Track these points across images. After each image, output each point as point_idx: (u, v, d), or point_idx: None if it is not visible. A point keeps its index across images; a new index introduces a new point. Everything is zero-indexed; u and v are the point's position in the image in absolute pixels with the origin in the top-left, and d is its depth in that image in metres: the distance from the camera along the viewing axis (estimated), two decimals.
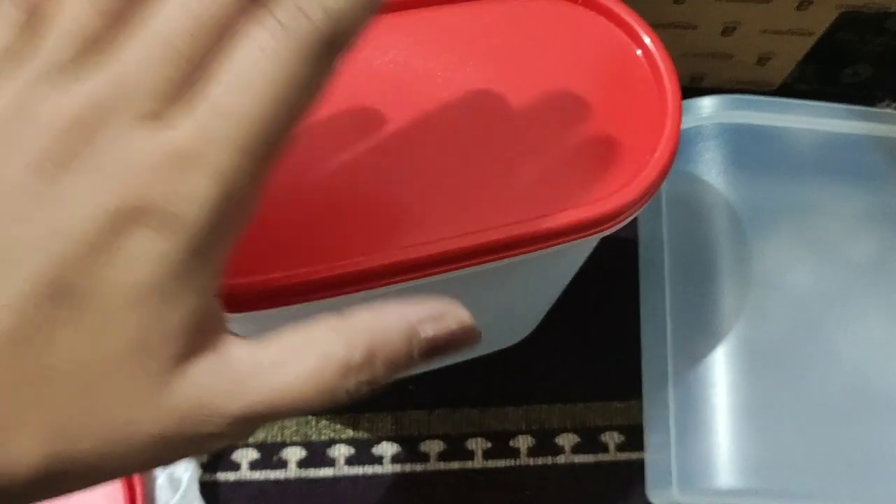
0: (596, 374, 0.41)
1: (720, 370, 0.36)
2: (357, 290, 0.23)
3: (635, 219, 0.41)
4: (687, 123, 0.39)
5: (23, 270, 0.15)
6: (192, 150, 0.16)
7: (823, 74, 0.46)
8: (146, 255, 0.16)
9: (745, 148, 0.39)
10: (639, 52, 0.27)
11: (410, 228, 0.24)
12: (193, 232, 0.16)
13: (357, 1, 0.16)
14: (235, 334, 0.17)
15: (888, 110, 0.41)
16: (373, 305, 0.18)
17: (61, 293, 0.15)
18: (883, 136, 0.39)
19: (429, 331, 0.18)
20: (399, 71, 0.26)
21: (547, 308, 0.37)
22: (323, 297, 0.23)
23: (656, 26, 0.41)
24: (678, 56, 0.43)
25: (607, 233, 0.26)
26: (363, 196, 0.24)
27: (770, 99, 0.39)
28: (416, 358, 0.18)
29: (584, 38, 0.27)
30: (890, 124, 0.39)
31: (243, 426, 0.17)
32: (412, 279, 0.23)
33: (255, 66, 0.16)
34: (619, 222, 0.25)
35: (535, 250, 0.24)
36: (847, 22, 0.41)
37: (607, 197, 0.25)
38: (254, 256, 0.22)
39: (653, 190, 0.25)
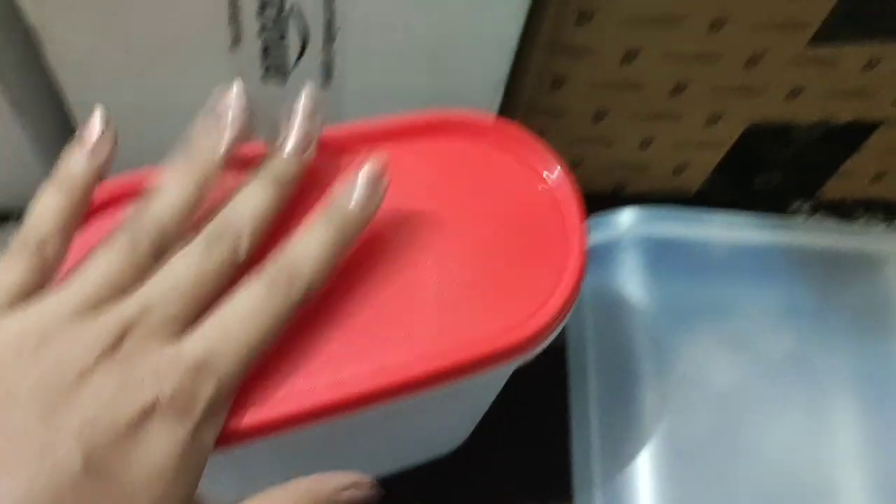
0: (529, 477, 0.41)
1: (646, 472, 0.37)
2: (267, 435, 0.23)
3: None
4: (609, 234, 0.41)
5: (64, 451, 0.19)
6: (202, 361, 0.22)
7: (737, 181, 0.49)
8: (163, 440, 0.21)
9: (664, 255, 0.41)
10: (541, 187, 0.29)
11: (328, 368, 0.24)
12: (198, 420, 0.21)
13: (326, 270, 0.24)
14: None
15: (792, 220, 0.44)
16: (285, 485, 0.22)
17: (95, 470, 0.19)
18: (789, 243, 0.42)
19: (345, 496, 0.22)
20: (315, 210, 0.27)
21: (478, 419, 0.38)
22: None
23: (579, 141, 0.44)
24: (600, 167, 0.46)
25: (520, 361, 0.27)
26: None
27: (685, 211, 0.41)
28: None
29: (492, 176, 0.29)
30: (794, 232, 0.42)
31: None
32: (339, 416, 0.24)
33: (249, 308, 0.23)
34: (528, 351, 0.26)
35: (448, 382, 0.25)
36: (755, 134, 0.44)
37: (514, 328, 0.26)
38: None
39: (558, 321, 0.26)
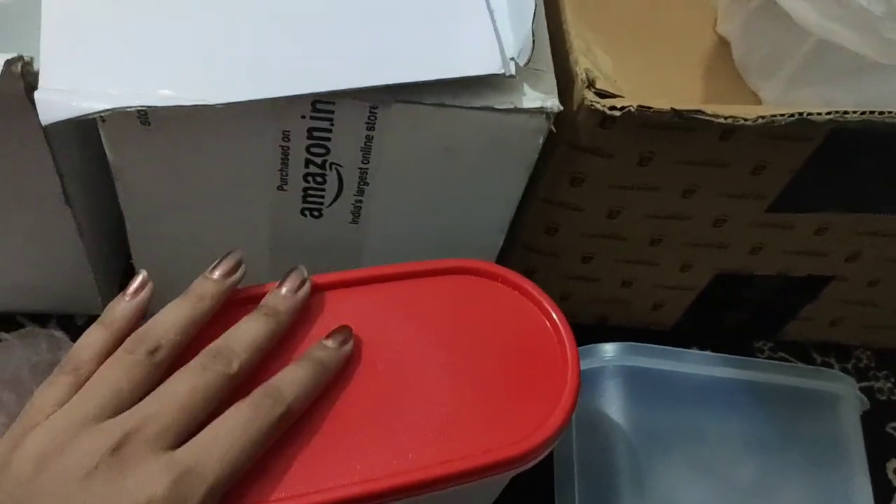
0: None
1: None
2: None
3: None
4: (593, 364, 0.46)
5: None
6: (192, 467, 0.26)
7: (708, 318, 0.54)
8: None
9: (641, 386, 0.46)
10: (548, 324, 0.34)
11: (345, 469, 0.29)
12: None
13: (305, 398, 0.29)
14: None
15: (756, 360, 0.49)
16: None
17: None
18: (752, 380, 0.47)
19: None
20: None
21: None
22: None
23: (568, 278, 0.49)
24: (586, 301, 0.52)
25: (520, 470, 0.32)
26: (295, 440, 0.30)
27: (661, 348, 0.46)
28: None
29: (505, 311, 0.34)
30: (755, 371, 0.47)
31: None
32: None
33: (236, 424, 0.28)
34: (523, 464, 0.31)
35: (454, 486, 0.30)
36: (722, 280, 0.50)
37: (517, 442, 0.31)
38: None
39: (552, 440, 0.31)
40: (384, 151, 0.37)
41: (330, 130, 0.36)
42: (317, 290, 0.33)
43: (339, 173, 0.38)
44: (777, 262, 0.48)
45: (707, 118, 0.34)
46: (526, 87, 0.36)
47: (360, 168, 0.38)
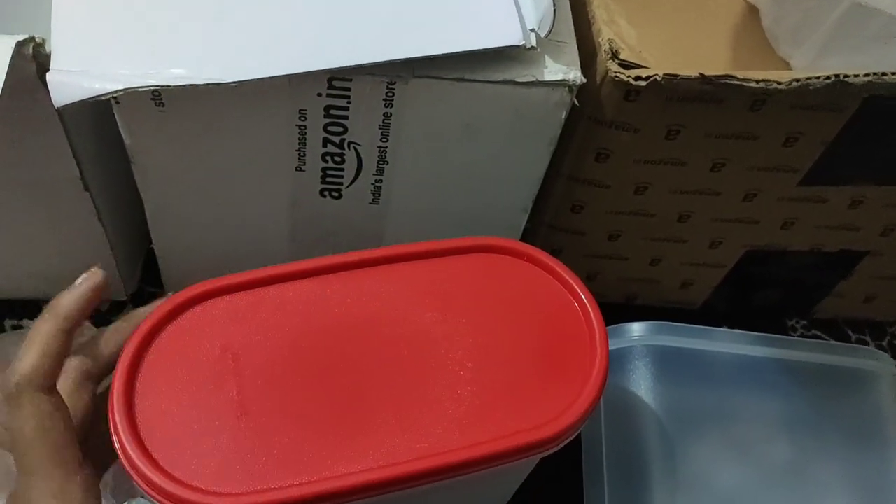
0: None
1: None
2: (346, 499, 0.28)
3: None
4: (622, 344, 0.45)
5: None
6: None
7: (738, 297, 0.53)
8: None
9: (671, 365, 0.45)
10: (576, 304, 0.33)
11: (370, 452, 0.28)
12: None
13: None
14: None
15: (789, 338, 0.48)
16: None
17: None
18: (786, 359, 0.46)
19: None
20: (364, 315, 0.32)
21: None
22: None
23: (595, 257, 0.48)
24: (614, 280, 0.51)
25: (547, 453, 0.31)
26: (322, 422, 0.29)
27: (691, 326, 0.45)
28: None
29: (531, 290, 0.33)
30: (789, 349, 0.46)
31: None
32: (373, 496, 0.28)
33: None
34: (552, 446, 0.30)
35: (481, 470, 0.29)
36: (753, 257, 0.49)
37: (544, 425, 0.30)
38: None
39: (581, 422, 0.31)
40: (403, 129, 0.36)
41: (347, 108, 0.35)
42: (340, 269, 0.33)
43: (357, 152, 0.37)
44: (809, 237, 0.46)
45: (739, 83, 0.32)
46: (547, 60, 0.35)
47: (379, 146, 0.37)
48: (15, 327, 0.47)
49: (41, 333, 0.28)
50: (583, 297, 0.33)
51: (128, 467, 0.27)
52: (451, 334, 0.32)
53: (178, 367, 0.29)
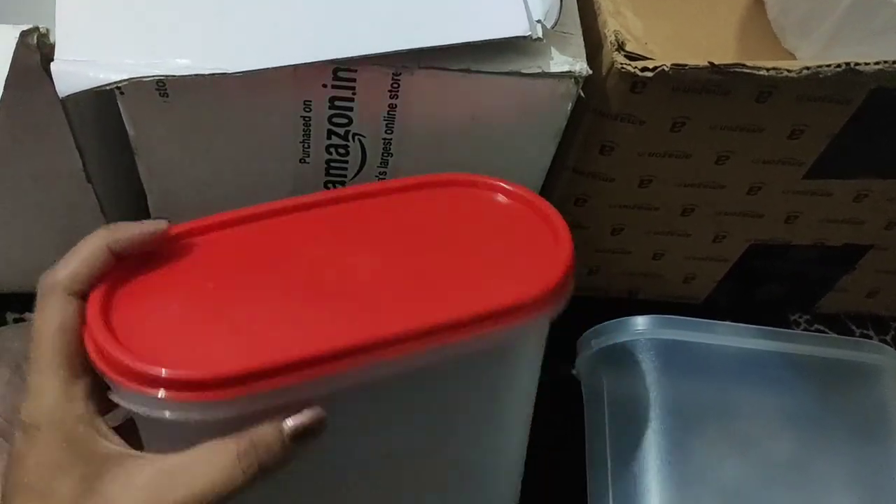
0: None
1: None
2: (326, 372, 0.27)
3: (583, 420, 0.46)
4: (625, 337, 0.45)
5: None
6: None
7: (741, 292, 0.53)
8: None
9: (674, 359, 0.45)
10: (531, 212, 0.34)
11: (352, 327, 0.28)
12: None
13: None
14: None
15: (792, 331, 0.48)
16: None
17: None
18: (791, 352, 0.46)
19: (290, 422, 0.27)
20: (336, 236, 0.33)
21: (516, 481, 0.41)
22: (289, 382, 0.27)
23: (598, 251, 0.48)
24: (617, 274, 0.50)
25: (536, 321, 0.31)
26: (301, 315, 0.29)
27: (694, 320, 0.45)
28: (286, 441, 0.27)
29: (484, 209, 0.35)
30: (793, 343, 0.46)
31: None
32: (370, 360, 0.28)
33: None
34: (543, 308, 0.31)
35: (477, 332, 0.29)
36: (755, 252, 0.48)
37: (526, 289, 0.30)
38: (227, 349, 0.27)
39: (565, 284, 0.31)
40: (408, 121, 0.36)
41: (352, 99, 0.35)
42: (311, 207, 0.33)
43: (362, 144, 0.37)
44: (813, 231, 0.46)
45: (749, 71, 0.32)
46: (553, 51, 0.34)
47: (384, 139, 0.37)
48: (17, 320, 0.47)
49: (88, 244, 0.29)
50: (537, 203, 0.35)
51: (97, 359, 0.27)
52: (422, 244, 0.33)
53: (157, 282, 0.30)
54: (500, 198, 0.35)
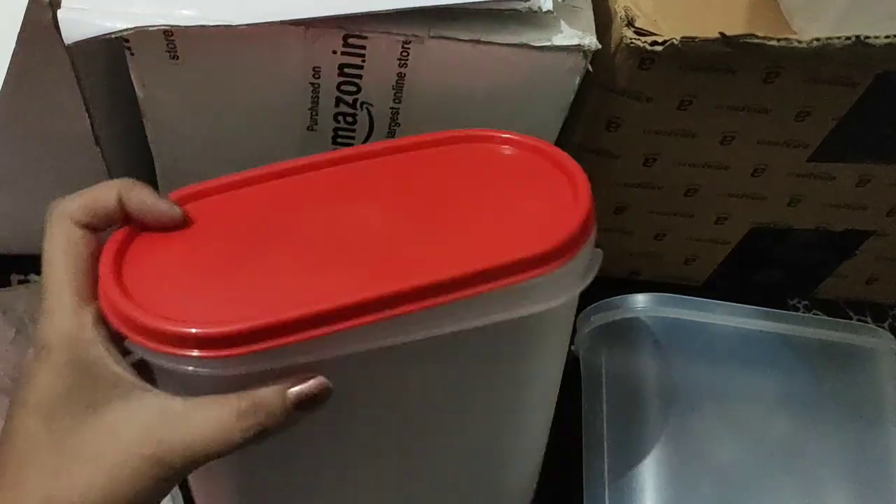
0: None
1: None
2: (343, 327, 0.27)
3: (580, 395, 0.46)
4: (625, 314, 0.45)
5: None
6: None
7: (740, 275, 0.53)
8: None
9: (673, 338, 0.45)
10: (552, 165, 0.33)
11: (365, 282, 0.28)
12: None
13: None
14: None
15: (791, 313, 0.48)
16: None
17: None
18: (788, 334, 0.46)
19: (295, 388, 0.27)
20: (354, 192, 0.32)
21: (536, 468, 0.41)
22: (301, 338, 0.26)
23: (600, 230, 0.48)
24: (618, 254, 0.51)
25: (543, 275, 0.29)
26: (314, 268, 0.29)
27: (694, 299, 0.46)
28: (288, 407, 0.27)
29: (502, 162, 0.34)
30: (791, 324, 0.46)
31: (177, 456, 0.25)
32: (389, 316, 0.27)
33: None
34: (559, 259, 0.29)
35: (498, 283, 0.28)
36: (757, 235, 0.49)
37: (544, 240, 0.29)
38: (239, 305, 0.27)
39: (579, 239, 0.30)
40: (416, 90, 0.36)
41: (361, 67, 0.35)
42: (326, 166, 0.33)
43: (369, 113, 0.37)
44: (816, 215, 0.46)
45: (758, 42, 0.32)
46: (563, 24, 0.35)
47: (392, 108, 0.37)
48: (21, 282, 0.47)
49: (103, 186, 0.29)
50: (555, 155, 0.33)
51: (108, 311, 0.27)
52: (440, 197, 0.32)
53: (169, 239, 0.30)
54: (516, 151, 0.34)
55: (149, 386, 0.26)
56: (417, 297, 0.27)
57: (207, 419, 0.26)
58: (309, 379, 0.27)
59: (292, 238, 0.30)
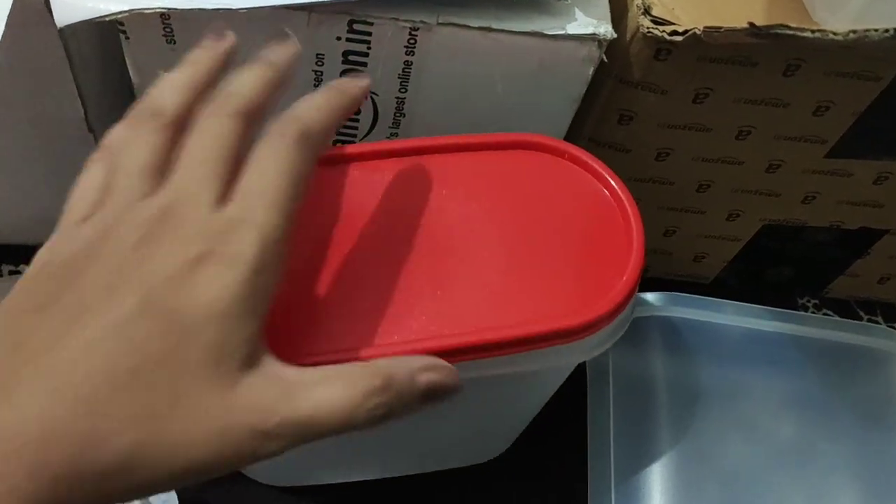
0: None
1: None
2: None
3: (585, 394, 0.45)
4: (635, 314, 0.44)
5: (121, 297, 0.22)
6: (240, 217, 0.23)
7: (750, 273, 0.52)
8: (216, 284, 0.22)
9: (682, 338, 0.44)
10: (613, 201, 0.32)
11: (406, 328, 0.27)
12: (247, 265, 0.22)
13: (331, 115, 0.26)
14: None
15: (802, 313, 0.47)
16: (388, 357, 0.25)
17: (152, 311, 0.22)
18: (798, 335, 0.45)
19: (427, 375, 0.24)
20: (409, 203, 0.31)
21: (521, 428, 0.41)
22: None
23: None
24: None
25: (577, 341, 0.29)
26: (348, 298, 0.28)
27: (703, 298, 0.44)
28: (417, 395, 0.24)
29: (568, 185, 0.32)
30: (802, 325, 0.45)
31: (288, 431, 0.22)
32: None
33: (266, 162, 0.24)
34: (590, 333, 0.29)
35: (512, 352, 0.28)
36: (769, 232, 0.47)
37: (579, 310, 0.28)
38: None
39: (620, 308, 0.29)
40: (423, 80, 0.35)
41: (367, 55, 0.33)
42: (376, 157, 0.31)
43: (374, 102, 0.36)
44: (830, 212, 0.45)
45: (791, 32, 0.31)
46: (577, 12, 0.33)
47: (398, 97, 0.36)
48: (13, 272, 0.46)
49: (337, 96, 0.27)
50: (620, 194, 0.32)
51: None
52: (483, 225, 0.30)
53: None
54: (582, 174, 0.32)
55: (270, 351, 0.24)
56: (461, 354, 0.27)
57: (332, 394, 0.23)
58: (441, 367, 0.24)
59: (323, 263, 0.29)
